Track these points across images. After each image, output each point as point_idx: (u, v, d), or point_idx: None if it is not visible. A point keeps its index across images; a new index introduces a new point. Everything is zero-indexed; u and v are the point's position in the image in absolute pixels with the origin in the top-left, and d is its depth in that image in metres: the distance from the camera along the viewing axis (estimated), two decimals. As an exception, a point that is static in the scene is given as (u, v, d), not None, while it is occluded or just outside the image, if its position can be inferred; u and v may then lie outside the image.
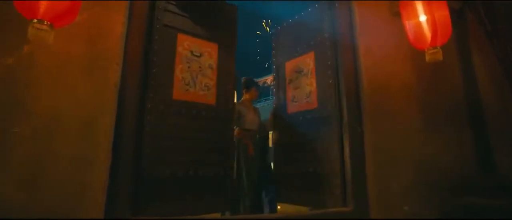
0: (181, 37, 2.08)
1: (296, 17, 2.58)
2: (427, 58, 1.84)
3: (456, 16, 2.29)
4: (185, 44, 2.08)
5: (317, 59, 2.29)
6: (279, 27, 2.78)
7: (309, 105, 2.26)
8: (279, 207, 2.72)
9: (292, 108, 2.39)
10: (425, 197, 1.83)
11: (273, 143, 2.40)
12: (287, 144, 2.37)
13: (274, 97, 2.52)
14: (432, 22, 1.82)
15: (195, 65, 2.06)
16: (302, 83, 2.36)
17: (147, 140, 1.77)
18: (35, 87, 1.57)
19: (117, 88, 1.69)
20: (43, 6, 1.28)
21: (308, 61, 2.33)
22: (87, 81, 1.65)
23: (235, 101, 2.31)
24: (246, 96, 3.13)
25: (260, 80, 12.41)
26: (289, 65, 2.50)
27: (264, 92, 11.87)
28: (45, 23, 1.27)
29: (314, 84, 2.25)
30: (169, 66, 1.98)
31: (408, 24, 1.96)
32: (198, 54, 2.08)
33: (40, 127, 1.51)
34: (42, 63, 1.62)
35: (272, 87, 2.77)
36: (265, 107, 8.96)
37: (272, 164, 2.56)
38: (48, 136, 1.52)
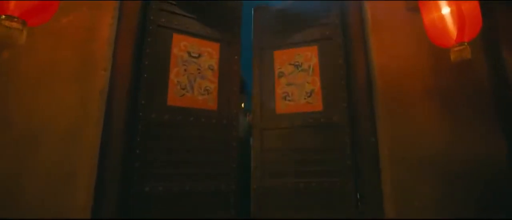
0: (177, 37, 1.92)
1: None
2: (453, 56, 1.59)
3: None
4: (182, 44, 1.92)
5: (321, 55, 2.05)
6: (263, 6, 2.28)
7: (310, 107, 1.95)
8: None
9: (283, 107, 1.98)
10: (455, 214, 1.59)
11: (252, 148, 1.93)
12: (274, 151, 1.90)
13: (253, 91, 2.04)
14: (458, 15, 1.58)
15: (193, 67, 1.89)
16: (299, 80, 2.01)
17: (137, 152, 1.63)
18: (15, 96, 1.46)
19: (104, 95, 1.57)
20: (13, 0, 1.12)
21: (309, 55, 2.05)
22: (72, 89, 1.53)
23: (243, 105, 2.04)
24: None
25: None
26: (280, 55, 2.09)
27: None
28: (16, 20, 1.11)
29: (318, 83, 1.99)
30: (163, 69, 1.83)
31: (428, 19, 1.73)
32: (197, 55, 1.91)
33: (19, 139, 1.39)
34: (23, 70, 1.51)
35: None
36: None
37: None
38: (27, 149, 1.40)
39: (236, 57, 2.03)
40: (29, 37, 1.55)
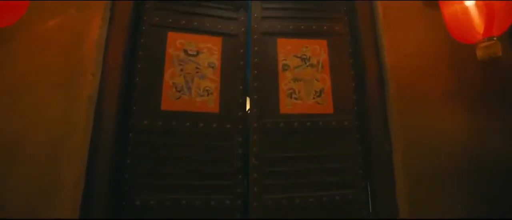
0: (172, 36, 1.78)
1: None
2: (480, 53, 1.41)
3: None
4: (178, 43, 1.78)
5: (331, 51, 1.86)
6: None
7: (320, 108, 1.73)
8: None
9: (289, 106, 1.73)
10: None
11: (250, 156, 1.62)
12: (277, 159, 1.63)
13: (250, 84, 1.74)
14: (486, 6, 1.39)
15: (190, 66, 1.75)
16: (307, 76, 1.78)
17: (128, 162, 1.51)
18: (-4, 103, 1.35)
19: (92, 101, 1.46)
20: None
21: (318, 49, 1.85)
22: (58, 95, 1.44)
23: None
24: None
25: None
26: (285, 45, 1.82)
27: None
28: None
29: (328, 82, 1.79)
30: (156, 72, 1.70)
31: (449, 12, 1.55)
32: (194, 52, 1.77)
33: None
34: (6, 76, 1.42)
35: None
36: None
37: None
38: (8, 159, 1.31)
39: (241, 50, 1.81)
40: (13, 41, 1.47)
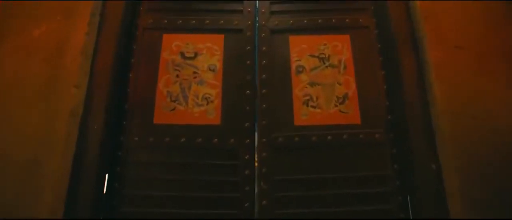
0: (167, 38, 1.57)
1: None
2: None
3: None
4: (173, 45, 1.56)
5: (355, 47, 1.54)
6: None
7: (344, 118, 1.42)
8: None
9: (305, 116, 1.42)
10: None
11: (257, 178, 1.36)
12: (291, 183, 1.34)
13: (258, 90, 1.48)
14: None
15: (187, 71, 1.52)
16: (327, 78, 1.48)
17: (116, 186, 1.29)
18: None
19: (76, 116, 1.28)
20: None
21: (339, 46, 1.54)
22: (39, 111, 1.28)
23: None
24: None
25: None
26: (299, 43, 1.54)
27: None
28: None
29: (354, 85, 1.47)
30: (150, 79, 1.49)
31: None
32: (192, 55, 1.53)
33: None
34: None
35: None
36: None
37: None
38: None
39: (248, 47, 1.54)
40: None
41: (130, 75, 1.49)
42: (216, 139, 1.40)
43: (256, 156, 1.40)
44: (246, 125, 1.43)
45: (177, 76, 1.51)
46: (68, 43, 1.38)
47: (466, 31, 1.38)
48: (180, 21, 1.59)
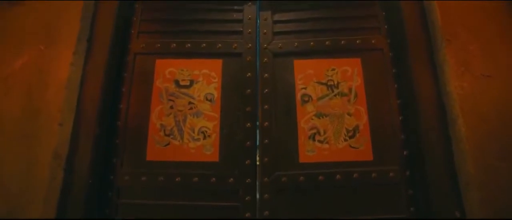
0: (161, 63, 1.45)
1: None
2: None
3: None
4: (167, 72, 1.43)
5: (367, 72, 1.40)
6: None
7: (355, 153, 1.28)
8: None
9: (311, 152, 1.30)
10: None
11: (262, 218, 1.24)
12: None
13: (259, 125, 1.35)
14: None
15: (182, 101, 1.39)
16: (336, 108, 1.35)
17: (103, 235, 1.18)
18: None
19: (59, 157, 1.17)
20: None
21: (349, 72, 1.39)
22: (16, 151, 1.16)
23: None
24: None
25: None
26: (304, 67, 1.40)
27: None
28: None
29: (365, 117, 1.33)
30: (142, 111, 1.38)
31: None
32: (187, 83, 1.41)
33: None
34: None
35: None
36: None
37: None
38: None
39: (249, 74, 1.40)
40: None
41: (121, 106, 1.38)
42: (213, 178, 1.28)
43: (257, 197, 1.27)
44: (246, 162, 1.30)
45: (171, 107, 1.38)
46: (51, 75, 1.27)
47: (494, 57, 1.22)
48: (174, 44, 1.46)
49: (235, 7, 1.52)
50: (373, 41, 1.44)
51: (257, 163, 1.32)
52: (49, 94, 1.24)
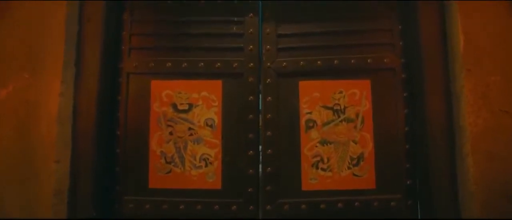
0: (156, 85, 1.36)
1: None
2: None
3: None
4: (164, 95, 1.35)
5: (377, 96, 1.31)
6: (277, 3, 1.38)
7: (357, 182, 1.27)
8: None
9: (313, 181, 1.28)
10: None
11: None
12: None
13: (262, 152, 1.32)
14: None
15: (181, 126, 1.34)
16: (341, 135, 1.30)
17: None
18: None
19: (61, 197, 1.15)
20: None
21: (357, 95, 1.31)
22: (12, 194, 1.13)
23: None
24: None
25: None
26: (310, 89, 1.32)
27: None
28: None
29: (371, 144, 1.29)
30: (140, 137, 1.34)
31: None
32: (186, 107, 1.34)
33: None
34: None
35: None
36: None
37: None
38: None
39: (251, 98, 1.33)
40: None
41: (118, 132, 1.33)
42: (216, 206, 1.30)
43: (260, 224, 1.30)
44: (249, 190, 1.30)
45: (171, 133, 1.33)
46: (41, 107, 1.20)
47: (515, 91, 1.13)
48: (169, 63, 1.35)
49: (235, 19, 1.36)
50: (385, 60, 1.33)
51: (259, 190, 1.31)
52: (41, 129, 1.18)
